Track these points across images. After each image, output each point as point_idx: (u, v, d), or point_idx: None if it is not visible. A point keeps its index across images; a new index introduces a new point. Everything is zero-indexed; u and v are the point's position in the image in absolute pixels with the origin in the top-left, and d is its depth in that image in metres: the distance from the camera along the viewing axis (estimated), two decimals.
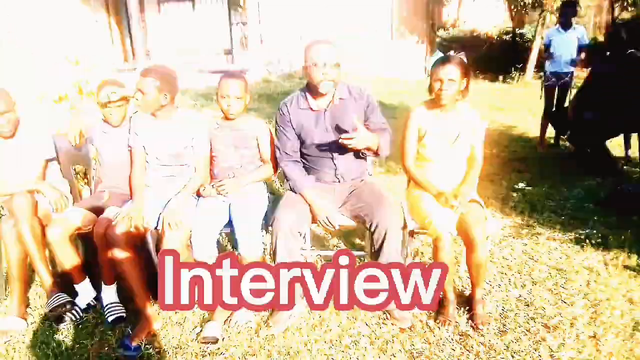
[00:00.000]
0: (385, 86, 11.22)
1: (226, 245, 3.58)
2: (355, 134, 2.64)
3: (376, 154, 2.86)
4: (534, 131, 6.87)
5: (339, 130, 2.82)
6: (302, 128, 2.87)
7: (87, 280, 2.91)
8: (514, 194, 4.63)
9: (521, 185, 4.84)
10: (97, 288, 2.92)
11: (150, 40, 14.51)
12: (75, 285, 2.88)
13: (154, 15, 14.72)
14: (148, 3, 14.58)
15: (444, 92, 2.71)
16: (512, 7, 13.34)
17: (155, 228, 2.80)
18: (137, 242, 2.74)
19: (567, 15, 5.91)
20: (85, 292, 2.89)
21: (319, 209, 2.81)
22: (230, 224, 2.85)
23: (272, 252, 2.71)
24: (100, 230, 2.72)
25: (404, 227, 2.78)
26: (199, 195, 2.94)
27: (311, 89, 2.84)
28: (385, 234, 2.63)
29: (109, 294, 2.86)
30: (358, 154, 2.93)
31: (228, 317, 2.74)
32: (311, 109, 2.85)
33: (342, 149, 2.86)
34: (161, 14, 14.72)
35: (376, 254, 2.71)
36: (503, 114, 8.30)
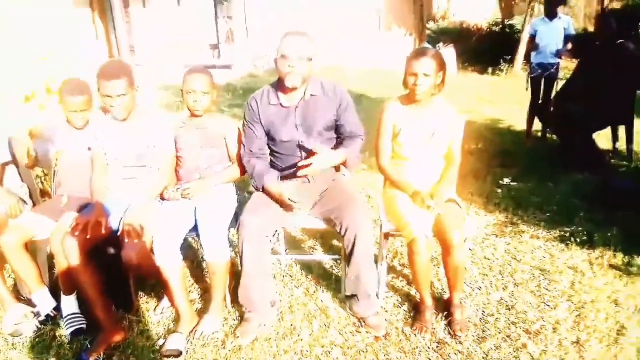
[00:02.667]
0: (373, 78, 11.07)
1: (197, 250, 3.43)
2: (312, 159, 2.54)
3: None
4: (521, 124, 6.73)
5: (308, 128, 2.68)
6: (272, 125, 2.72)
7: (45, 289, 2.75)
8: (499, 190, 4.51)
9: (506, 180, 4.71)
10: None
11: (134, 35, 14.25)
12: (31, 295, 2.72)
13: (139, 9, 14.44)
14: None
15: (418, 87, 2.57)
16: None
17: (116, 233, 2.64)
18: (96, 249, 2.58)
19: (552, 4, 5.77)
20: (43, 302, 2.74)
21: (279, 192, 2.62)
22: (196, 228, 2.70)
23: (239, 258, 2.57)
24: (56, 238, 2.57)
25: (379, 228, 2.63)
26: (162, 198, 2.78)
27: (281, 84, 2.68)
28: (355, 237, 2.49)
29: (69, 304, 2.71)
30: None
31: (193, 327, 2.60)
32: (281, 104, 2.70)
33: (311, 147, 2.72)
34: (146, 8, 14.44)
35: (348, 258, 2.57)
36: (491, 107, 8.16)
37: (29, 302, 2.79)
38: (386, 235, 2.73)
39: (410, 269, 2.61)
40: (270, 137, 2.76)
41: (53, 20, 12.28)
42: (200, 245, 3.12)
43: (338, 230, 2.58)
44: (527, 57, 12.16)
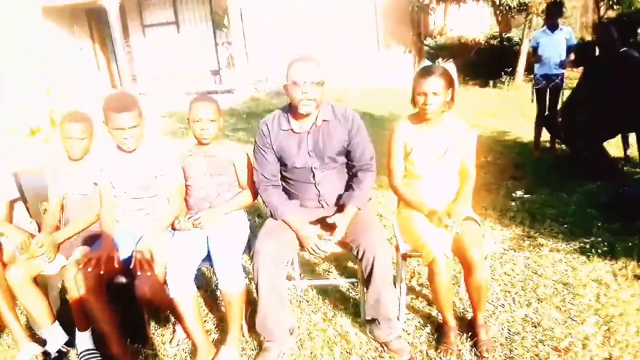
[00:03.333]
0: (374, 97, 11.07)
1: (211, 278, 3.36)
2: (334, 237, 2.55)
3: None
4: (528, 136, 6.68)
5: (320, 153, 2.63)
6: (283, 151, 2.68)
7: (57, 324, 2.69)
8: (513, 203, 4.44)
9: (519, 193, 4.65)
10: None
11: (136, 65, 14.38)
12: (42, 331, 2.66)
13: (139, 39, 14.61)
14: (132, 28, 14.48)
15: (429, 107, 2.53)
16: (498, 12, 13.23)
17: (129, 266, 2.58)
18: (109, 283, 2.52)
19: (553, 16, 5.77)
20: (54, 337, 2.68)
21: (306, 235, 2.60)
22: (209, 257, 2.64)
23: (255, 287, 2.50)
24: (69, 274, 2.52)
25: (397, 249, 2.57)
26: (173, 228, 2.73)
27: (292, 110, 2.65)
28: (374, 261, 2.42)
29: (84, 340, 2.66)
30: (342, 178, 2.75)
31: (212, 358, 2.53)
32: (293, 130, 2.66)
33: (325, 174, 2.68)
34: (146, 38, 14.61)
35: (366, 281, 2.50)
36: (495, 120, 8.13)
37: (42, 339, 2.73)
38: (404, 256, 2.66)
39: (431, 289, 2.53)
40: (282, 163, 2.72)
41: (56, 54, 12.43)
42: (214, 274, 3.06)
43: (355, 254, 2.52)
44: (528, 68, 12.25)
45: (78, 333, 2.66)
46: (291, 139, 2.66)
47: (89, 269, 2.41)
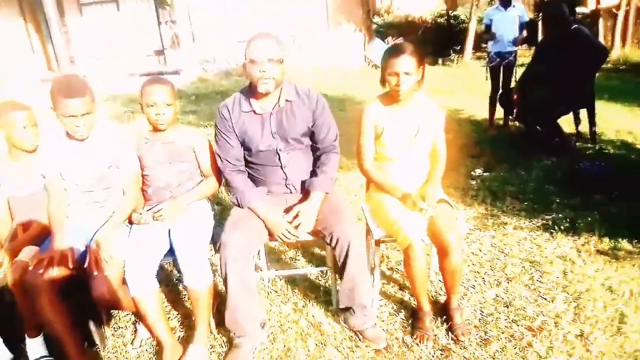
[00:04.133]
0: (326, 77, 10.94)
1: (171, 271, 3.19)
2: (297, 220, 2.43)
3: None
4: (481, 113, 6.76)
5: (285, 135, 2.50)
6: (246, 134, 2.52)
7: None
8: (473, 182, 4.45)
9: (478, 171, 4.67)
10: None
11: (73, 46, 13.60)
12: None
13: (76, 18, 13.81)
14: (68, 6, 13.66)
15: (401, 88, 2.43)
16: None
17: (83, 265, 2.37)
18: (62, 284, 2.31)
19: None
20: None
21: (275, 222, 2.47)
22: (171, 251, 2.47)
23: (223, 280, 2.35)
24: (16, 276, 2.29)
25: (368, 235, 2.48)
26: (131, 222, 2.54)
27: (253, 90, 2.49)
28: (348, 248, 2.32)
29: (35, 347, 2.45)
30: (309, 161, 2.62)
31: (180, 358, 2.38)
32: (254, 112, 2.50)
33: (291, 155, 2.54)
34: (83, 17, 13.83)
35: (340, 270, 2.41)
36: (447, 98, 8.16)
37: None
38: (377, 242, 2.58)
39: (408, 275, 2.46)
40: (245, 147, 2.56)
41: None
42: (175, 267, 2.89)
43: (328, 242, 2.41)
44: (476, 46, 12.41)
45: (28, 340, 2.45)
46: (253, 121, 2.51)
47: (40, 271, 2.19)
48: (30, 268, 2.24)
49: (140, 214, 2.49)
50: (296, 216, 2.44)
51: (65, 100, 2.27)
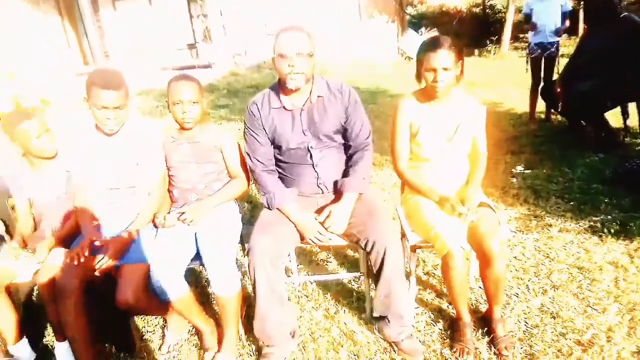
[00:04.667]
0: (358, 70, 10.76)
1: (200, 272, 3.11)
2: (328, 221, 2.32)
3: None
4: (521, 106, 6.49)
5: (316, 132, 2.37)
6: (276, 131, 2.40)
7: (25, 340, 2.42)
8: (514, 180, 4.23)
9: (519, 168, 4.44)
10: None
11: (107, 40, 13.76)
12: (9, 348, 2.38)
13: (110, 13, 13.96)
14: (102, 1, 13.80)
15: (439, 84, 2.26)
16: None
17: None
18: (88, 288, 2.25)
19: None
20: (21, 354, 2.41)
21: (306, 224, 2.35)
22: (198, 255, 2.38)
23: (252, 287, 2.25)
24: (44, 278, 2.23)
25: (403, 238, 2.34)
26: (155, 225, 2.45)
27: (282, 85, 2.37)
28: (385, 253, 2.18)
29: (62, 352, 2.39)
30: (343, 159, 2.48)
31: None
32: (285, 108, 2.38)
33: (323, 154, 2.41)
34: (117, 12, 13.96)
35: (376, 276, 2.27)
36: (485, 90, 7.88)
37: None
38: (413, 248, 2.42)
39: (446, 284, 2.31)
40: (275, 145, 2.45)
41: (22, 33, 11.79)
42: (204, 270, 2.80)
43: (363, 246, 2.28)
44: (514, 37, 12.02)
45: (57, 344, 2.40)
46: (284, 117, 2.39)
47: (73, 270, 2.14)
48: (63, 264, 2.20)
49: (167, 217, 2.39)
50: (328, 217, 2.32)
51: (100, 91, 2.22)
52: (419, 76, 2.39)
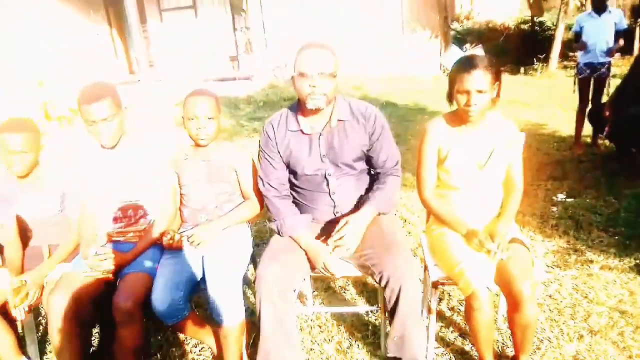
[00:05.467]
0: (397, 85, 10.56)
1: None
2: (344, 232, 2.10)
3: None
4: (566, 129, 6.15)
5: (335, 158, 2.22)
6: (292, 155, 2.26)
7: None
8: (554, 208, 3.95)
9: (561, 196, 4.16)
10: None
11: (153, 50, 14.07)
12: None
13: (156, 24, 14.28)
14: (150, 12, 14.14)
15: (472, 108, 2.07)
16: None
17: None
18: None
19: None
20: None
21: (317, 253, 2.19)
22: (204, 279, 2.26)
23: (257, 318, 2.10)
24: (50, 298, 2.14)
25: (425, 270, 2.14)
26: (162, 245, 2.33)
27: (301, 107, 2.23)
28: (400, 291, 2.00)
29: None
30: (362, 187, 2.32)
31: None
32: (302, 131, 2.24)
33: (341, 181, 2.26)
34: (163, 23, 14.27)
35: (390, 313, 2.09)
36: (529, 110, 7.55)
37: None
38: (435, 285, 2.23)
39: (469, 326, 2.10)
40: (290, 170, 2.31)
41: (72, 42, 12.17)
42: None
43: (377, 281, 2.10)
44: (562, 55, 11.57)
45: None
46: (301, 142, 2.25)
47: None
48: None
49: (169, 237, 2.28)
50: (340, 229, 2.12)
51: (84, 106, 2.16)
52: (450, 97, 2.21)
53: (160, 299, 2.09)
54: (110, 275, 2.15)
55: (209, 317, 2.64)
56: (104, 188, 2.30)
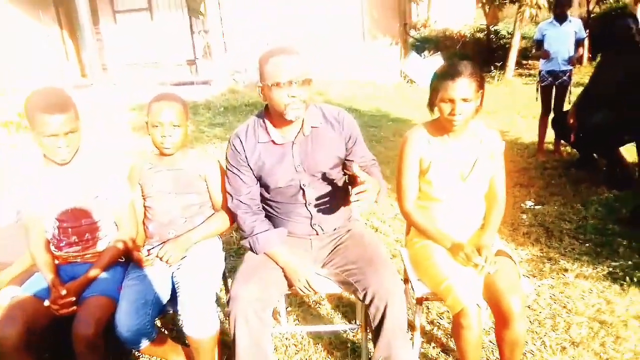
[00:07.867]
0: (359, 90, 10.53)
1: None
2: (364, 187, 1.84)
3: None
4: (527, 136, 6.23)
5: (310, 168, 2.08)
6: (263, 168, 2.10)
7: None
8: (523, 216, 3.95)
9: (529, 204, 4.16)
10: None
11: (106, 53, 13.57)
12: None
13: (110, 26, 13.78)
14: (103, 14, 13.63)
15: (457, 118, 1.98)
16: (486, 2, 12.78)
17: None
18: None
19: (562, 5, 5.23)
20: None
21: (295, 271, 2.05)
22: (174, 296, 2.08)
23: (232, 340, 1.94)
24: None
25: (406, 283, 2.03)
26: (127, 261, 2.14)
27: (271, 116, 2.08)
28: (385, 308, 1.89)
29: None
30: (340, 196, 2.19)
31: None
32: (274, 142, 2.09)
33: (318, 191, 2.12)
34: (118, 25, 13.78)
35: (375, 333, 1.96)
36: (490, 118, 7.63)
37: None
38: (420, 301, 2.12)
39: (457, 344, 2.00)
40: (262, 184, 2.15)
41: (21, 44, 11.60)
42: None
43: (361, 298, 1.98)
44: (519, 63, 11.84)
45: None
46: (273, 153, 2.09)
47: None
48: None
49: (148, 255, 2.09)
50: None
51: (45, 116, 1.90)
52: (431, 105, 2.11)
53: (125, 324, 1.90)
54: (74, 308, 1.92)
55: (177, 336, 2.50)
56: (55, 210, 2.08)
